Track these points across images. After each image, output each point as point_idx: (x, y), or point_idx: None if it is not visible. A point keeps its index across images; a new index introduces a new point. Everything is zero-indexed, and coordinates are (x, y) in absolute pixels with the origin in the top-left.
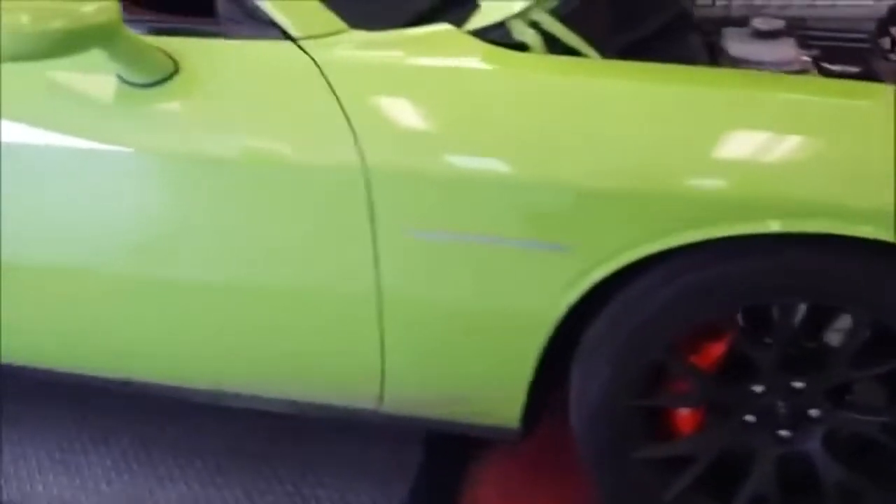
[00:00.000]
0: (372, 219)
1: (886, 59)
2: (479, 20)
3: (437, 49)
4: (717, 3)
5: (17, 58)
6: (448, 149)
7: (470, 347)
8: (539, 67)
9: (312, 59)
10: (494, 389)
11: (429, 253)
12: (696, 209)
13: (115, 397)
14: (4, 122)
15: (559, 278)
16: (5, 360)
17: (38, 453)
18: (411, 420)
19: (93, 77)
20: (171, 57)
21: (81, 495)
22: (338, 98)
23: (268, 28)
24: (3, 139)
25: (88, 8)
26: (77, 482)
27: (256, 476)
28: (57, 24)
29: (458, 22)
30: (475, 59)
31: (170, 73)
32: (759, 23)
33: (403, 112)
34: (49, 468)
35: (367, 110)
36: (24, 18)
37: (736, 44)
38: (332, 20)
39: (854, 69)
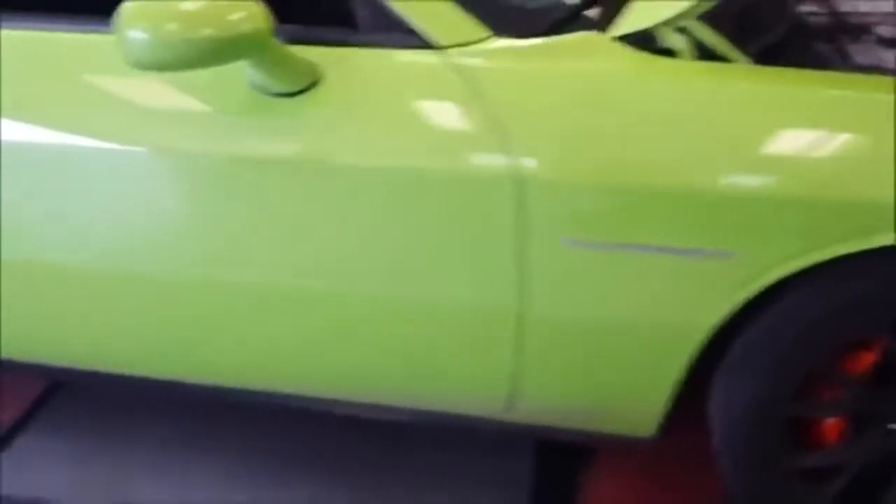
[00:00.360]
0: (523, 228)
1: None
2: (624, 27)
3: (587, 56)
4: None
5: (162, 67)
6: (606, 156)
7: (615, 358)
8: (693, 73)
9: (458, 68)
10: (636, 399)
11: (582, 263)
12: (861, 218)
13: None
14: (126, 134)
15: (721, 287)
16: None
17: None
18: (538, 429)
19: (224, 85)
20: (314, 66)
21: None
22: (487, 107)
23: (410, 37)
24: (129, 148)
25: (238, 15)
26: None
27: (371, 483)
28: (206, 32)
29: (599, 29)
30: (627, 66)
31: (312, 82)
32: (883, 30)
33: (559, 119)
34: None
35: (519, 118)
36: (172, 26)
37: (862, 51)
38: (475, 28)
39: None
